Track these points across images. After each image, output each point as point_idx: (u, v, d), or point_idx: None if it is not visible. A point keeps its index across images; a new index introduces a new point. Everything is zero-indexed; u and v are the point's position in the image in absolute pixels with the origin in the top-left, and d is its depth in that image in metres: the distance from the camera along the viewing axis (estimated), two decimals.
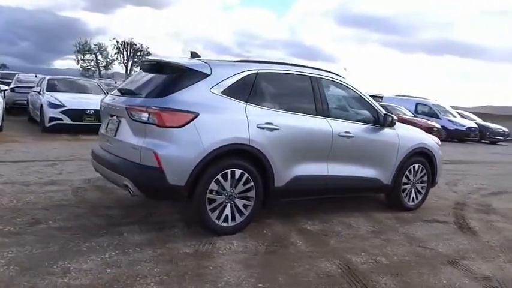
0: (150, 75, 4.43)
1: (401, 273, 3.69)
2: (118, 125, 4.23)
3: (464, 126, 19.56)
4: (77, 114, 11.09)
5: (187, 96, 3.96)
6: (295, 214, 5.06)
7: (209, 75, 4.08)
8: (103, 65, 56.26)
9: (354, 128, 5.04)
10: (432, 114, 19.88)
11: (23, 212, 4.45)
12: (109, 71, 55.91)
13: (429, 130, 17.29)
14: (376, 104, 5.40)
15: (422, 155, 5.74)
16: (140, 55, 54.20)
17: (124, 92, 4.41)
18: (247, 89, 4.29)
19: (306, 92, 4.76)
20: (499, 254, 4.37)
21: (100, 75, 50.30)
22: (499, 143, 21.32)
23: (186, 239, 4.04)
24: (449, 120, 19.46)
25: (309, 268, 3.63)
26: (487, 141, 20.95)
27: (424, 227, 5.16)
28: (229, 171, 4.04)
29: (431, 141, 5.98)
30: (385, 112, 5.36)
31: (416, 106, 20.54)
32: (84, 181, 5.99)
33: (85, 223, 4.26)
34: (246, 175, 4.13)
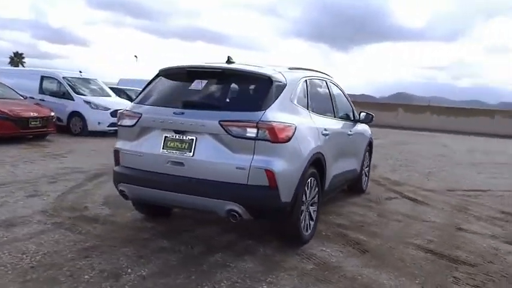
0: (219, 85, 4.00)
1: None
2: (194, 143, 3.68)
3: None
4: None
5: (281, 108, 3.78)
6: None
7: (286, 84, 3.96)
8: None
9: (350, 126, 5.65)
10: None
11: None
12: None
13: None
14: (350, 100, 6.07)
15: (370, 143, 6.73)
16: None
17: (189, 105, 3.81)
18: (306, 97, 4.38)
19: (327, 95, 5.10)
20: None
21: None
22: None
23: (289, 255, 3.93)
24: None
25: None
26: None
27: None
28: (310, 180, 4.08)
29: None
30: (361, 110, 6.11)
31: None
32: None
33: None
34: (315, 182, 4.22)
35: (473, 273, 3.75)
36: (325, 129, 4.46)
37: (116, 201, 5.08)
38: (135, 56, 56.98)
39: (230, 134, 3.55)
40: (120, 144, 4.12)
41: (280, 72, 4.03)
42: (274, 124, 3.55)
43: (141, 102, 4.09)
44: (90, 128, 12.23)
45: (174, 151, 3.75)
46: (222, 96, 3.93)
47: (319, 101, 4.77)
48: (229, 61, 4.28)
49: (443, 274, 3.69)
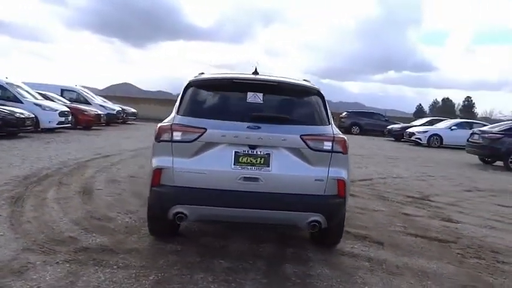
0: (276, 98, 3.97)
1: None
2: (270, 157, 3.64)
3: (115, 110, 20.74)
4: None
5: (333, 121, 4.04)
6: None
7: (324, 96, 4.21)
8: None
9: None
10: (81, 100, 19.80)
11: None
12: None
13: (98, 118, 17.69)
14: None
15: None
16: None
17: (263, 119, 3.70)
18: None
19: None
20: None
21: None
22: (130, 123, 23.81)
23: (337, 256, 4.22)
24: (101, 105, 20.09)
25: None
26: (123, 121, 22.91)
27: None
28: None
29: None
30: None
31: (62, 92, 19.79)
32: None
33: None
34: None
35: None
36: None
37: None
38: None
39: (310, 148, 3.65)
40: (166, 161, 3.69)
41: (316, 85, 4.24)
42: (343, 137, 3.82)
43: (192, 115, 3.76)
44: (42, 126, 13.91)
45: (249, 167, 3.62)
46: (288, 110, 3.92)
47: None
48: (256, 72, 4.29)
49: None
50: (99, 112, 18.17)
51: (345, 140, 3.81)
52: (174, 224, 4.25)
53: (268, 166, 3.63)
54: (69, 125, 15.37)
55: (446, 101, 78.59)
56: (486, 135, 13.76)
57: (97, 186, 6.62)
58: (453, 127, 22.23)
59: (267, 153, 3.64)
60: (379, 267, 4.00)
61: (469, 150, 14.65)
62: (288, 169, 3.65)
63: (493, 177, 11.66)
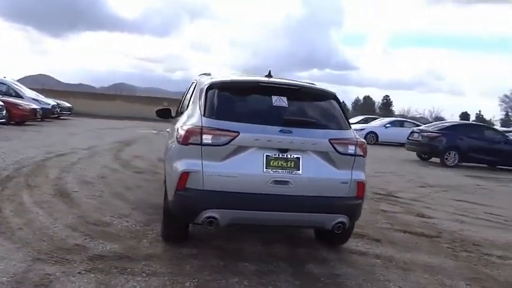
0: (300, 102, 4.01)
1: None
2: (300, 161, 3.70)
3: (50, 104, 19.47)
4: None
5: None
6: None
7: (340, 101, 4.34)
8: None
9: None
10: (12, 93, 18.35)
11: None
12: None
13: (33, 113, 16.57)
14: None
15: None
16: None
17: (293, 123, 3.75)
18: None
19: None
20: None
21: None
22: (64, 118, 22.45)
23: (348, 254, 4.39)
24: (34, 99, 18.75)
25: None
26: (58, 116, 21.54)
27: None
28: None
29: None
30: None
31: None
32: None
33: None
34: None
35: None
36: None
37: None
38: None
39: (337, 152, 3.77)
40: (194, 165, 3.61)
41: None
42: (364, 141, 3.99)
43: (221, 118, 3.70)
44: None
45: (280, 170, 3.66)
46: (313, 114, 3.98)
47: None
48: (270, 75, 4.33)
49: None
50: (35, 106, 16.96)
51: (365, 144, 3.96)
52: (187, 229, 4.19)
53: (299, 169, 3.69)
54: (4, 120, 14.24)
55: (367, 99, 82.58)
56: (425, 133, 14.80)
57: (71, 188, 6.25)
58: (387, 125, 23.64)
59: (297, 157, 3.70)
60: (391, 264, 4.23)
61: (409, 148, 15.69)
62: (316, 172, 3.73)
63: (435, 173, 12.59)
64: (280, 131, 3.66)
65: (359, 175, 3.90)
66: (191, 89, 5.08)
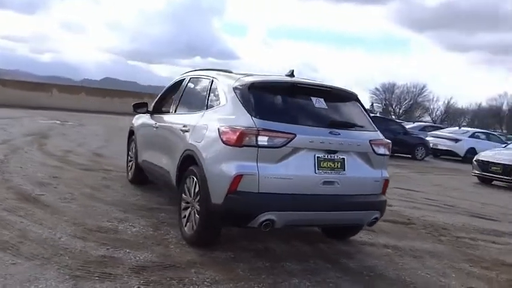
0: (335, 104, 4.12)
1: None
2: (344, 161, 3.85)
3: None
4: None
5: None
6: None
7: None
8: None
9: None
10: None
11: None
12: None
13: None
14: None
15: None
16: None
17: (340, 125, 3.89)
18: None
19: None
20: None
21: None
22: None
23: (361, 246, 4.68)
24: None
25: None
26: None
27: None
28: None
29: None
30: None
31: None
32: None
33: None
34: None
35: None
36: None
37: None
38: None
39: (374, 152, 4.01)
40: (249, 167, 3.54)
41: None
42: (389, 142, 4.26)
43: (273, 119, 3.66)
44: None
45: (329, 171, 3.77)
46: (350, 116, 4.11)
47: None
48: (292, 74, 4.40)
49: None
50: None
51: (389, 145, 4.25)
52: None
53: (344, 170, 3.84)
54: None
55: None
56: None
57: (32, 191, 5.52)
58: None
59: (342, 158, 3.84)
60: (401, 252, 4.63)
61: None
62: (358, 172, 3.93)
63: None
64: (330, 132, 3.77)
65: (386, 173, 4.19)
66: (196, 86, 4.92)
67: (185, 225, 4.19)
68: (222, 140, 3.69)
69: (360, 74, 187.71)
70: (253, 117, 3.65)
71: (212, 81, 4.48)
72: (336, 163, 3.82)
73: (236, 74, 4.38)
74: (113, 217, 4.77)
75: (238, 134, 3.57)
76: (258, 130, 3.55)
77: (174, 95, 5.41)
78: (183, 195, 4.27)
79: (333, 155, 3.80)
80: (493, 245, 5.39)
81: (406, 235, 5.35)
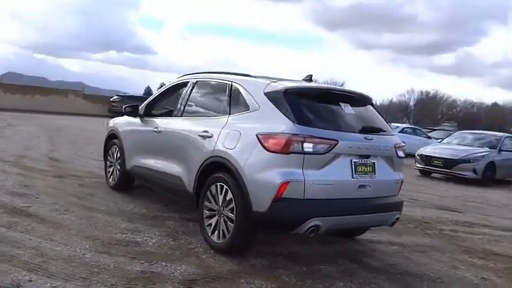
0: (359, 109, 4.24)
1: None
2: (374, 165, 4.02)
3: None
4: None
5: None
6: None
7: None
8: None
9: None
10: None
11: None
12: None
13: None
14: None
15: None
16: None
17: (371, 131, 4.06)
18: None
19: None
20: None
21: None
22: None
23: (368, 244, 4.90)
24: None
25: None
26: None
27: None
28: None
29: None
30: None
31: None
32: None
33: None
34: None
35: None
36: None
37: None
38: None
39: (397, 155, 4.22)
40: (295, 174, 3.56)
41: None
42: (404, 145, 4.49)
43: (313, 126, 3.70)
44: None
45: (363, 175, 3.90)
46: (375, 121, 4.25)
47: None
48: (311, 79, 4.50)
49: None
50: None
51: (405, 148, 4.48)
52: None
53: (375, 173, 4.00)
54: None
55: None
56: None
57: (13, 203, 5.04)
58: None
59: (373, 162, 4.01)
60: (407, 248, 4.91)
61: None
62: (385, 175, 4.11)
63: None
64: (365, 138, 3.91)
65: (402, 175, 4.43)
66: (207, 90, 4.82)
67: (211, 234, 4.09)
68: (264, 146, 3.67)
69: (280, 71, 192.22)
70: (295, 124, 3.67)
71: (231, 85, 4.40)
72: (368, 167, 3.97)
73: (258, 77, 4.36)
74: (122, 228, 4.53)
75: (285, 141, 3.57)
76: (304, 137, 3.58)
77: (175, 99, 5.21)
78: (207, 202, 4.17)
79: (366, 160, 3.95)
80: (473, 236, 5.89)
81: (401, 231, 5.66)
